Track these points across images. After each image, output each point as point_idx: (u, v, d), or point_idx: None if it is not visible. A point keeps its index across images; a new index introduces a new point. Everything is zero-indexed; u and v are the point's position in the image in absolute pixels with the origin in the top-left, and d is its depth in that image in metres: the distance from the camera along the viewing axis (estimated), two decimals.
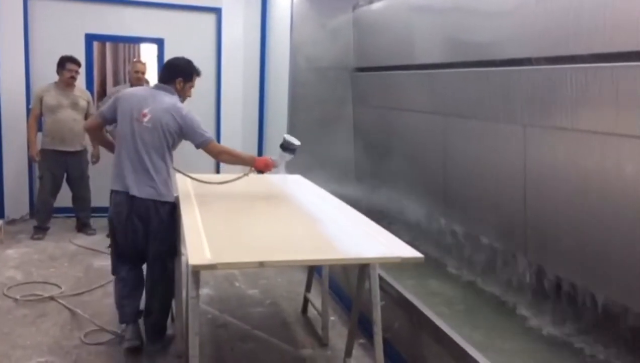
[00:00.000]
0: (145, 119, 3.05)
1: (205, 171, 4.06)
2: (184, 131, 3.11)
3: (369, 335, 2.81)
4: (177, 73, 3.22)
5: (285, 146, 3.30)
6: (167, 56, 5.05)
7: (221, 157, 3.32)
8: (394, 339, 3.04)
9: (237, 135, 6.14)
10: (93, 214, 5.47)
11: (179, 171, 3.44)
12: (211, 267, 2.14)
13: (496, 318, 3.41)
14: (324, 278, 3.45)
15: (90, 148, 5.33)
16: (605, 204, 2.69)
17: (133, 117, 3.07)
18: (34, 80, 5.63)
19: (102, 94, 6.67)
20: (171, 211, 3.11)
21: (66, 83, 5.18)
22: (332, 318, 3.65)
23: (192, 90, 3.32)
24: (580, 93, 2.69)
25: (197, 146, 3.17)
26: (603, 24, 2.51)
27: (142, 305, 3.26)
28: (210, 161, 4.04)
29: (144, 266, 3.25)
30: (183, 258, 2.81)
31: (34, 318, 3.53)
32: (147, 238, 3.10)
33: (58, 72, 5.17)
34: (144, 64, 5.49)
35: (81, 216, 5.47)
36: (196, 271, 2.22)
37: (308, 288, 3.78)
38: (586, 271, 2.91)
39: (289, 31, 5.21)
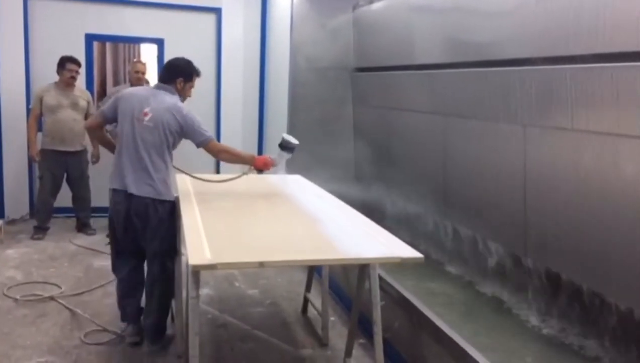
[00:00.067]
0: (147, 118, 3.07)
1: (205, 170, 4.05)
2: (185, 130, 3.13)
3: (369, 335, 2.81)
4: (178, 73, 3.24)
5: (284, 145, 3.33)
6: (167, 56, 5.06)
7: (221, 156, 3.34)
8: (394, 339, 3.04)
9: (237, 135, 6.14)
10: (93, 214, 5.47)
11: (178, 169, 3.45)
12: (211, 267, 2.14)
13: (496, 318, 3.41)
14: (324, 278, 3.45)
15: (90, 148, 5.33)
16: (605, 204, 2.69)
17: (134, 117, 3.09)
18: (34, 80, 5.63)
19: (102, 94, 6.66)
20: (171, 210, 3.11)
21: (66, 83, 5.18)
22: (332, 318, 3.64)
23: (192, 90, 3.35)
24: (580, 93, 2.69)
25: (198, 145, 3.19)
26: (603, 24, 2.51)
27: (143, 303, 3.27)
28: (210, 160, 4.05)
29: (145, 266, 3.25)
30: (183, 258, 2.82)
31: (34, 318, 3.53)
32: (146, 236, 3.10)
33: (58, 72, 5.17)
34: (144, 64, 5.49)
35: (81, 216, 5.47)
36: (196, 271, 2.22)
37: (308, 288, 3.78)
38: (586, 271, 2.91)
39: (289, 31, 5.21)
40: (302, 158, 3.55)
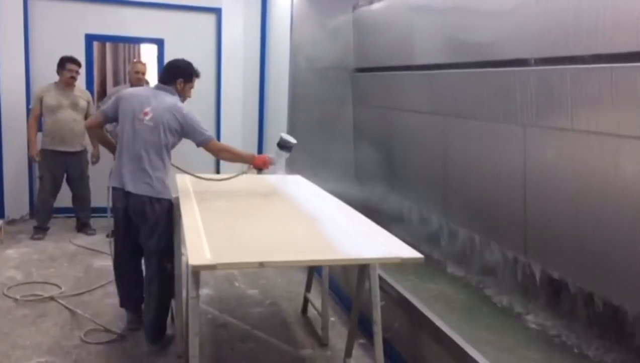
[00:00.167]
0: (147, 118, 3.09)
1: (205, 170, 4.05)
2: (185, 130, 3.15)
3: (369, 335, 2.81)
4: (178, 74, 3.26)
5: (282, 144, 3.37)
6: (167, 56, 5.07)
7: (221, 155, 3.37)
8: (394, 339, 3.04)
9: (237, 135, 6.14)
10: (93, 215, 5.47)
11: (178, 168, 3.45)
12: (211, 267, 2.14)
13: (495, 318, 3.41)
14: (324, 278, 3.45)
15: (90, 148, 5.33)
16: (605, 205, 2.70)
17: (134, 116, 3.11)
18: (34, 80, 5.63)
19: (102, 94, 6.67)
20: (168, 209, 3.13)
21: (66, 83, 5.18)
22: (332, 318, 3.65)
23: (192, 91, 3.37)
24: (580, 93, 2.69)
25: (198, 145, 3.22)
26: (603, 24, 2.51)
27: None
28: (210, 160, 4.05)
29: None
30: (183, 258, 2.82)
31: (34, 318, 3.53)
32: (143, 234, 3.12)
33: (58, 72, 5.17)
34: (144, 65, 5.49)
35: (81, 216, 5.47)
36: (196, 271, 2.22)
37: (308, 288, 3.79)
38: (586, 271, 2.91)
39: (289, 31, 5.21)
40: (302, 158, 3.56)
